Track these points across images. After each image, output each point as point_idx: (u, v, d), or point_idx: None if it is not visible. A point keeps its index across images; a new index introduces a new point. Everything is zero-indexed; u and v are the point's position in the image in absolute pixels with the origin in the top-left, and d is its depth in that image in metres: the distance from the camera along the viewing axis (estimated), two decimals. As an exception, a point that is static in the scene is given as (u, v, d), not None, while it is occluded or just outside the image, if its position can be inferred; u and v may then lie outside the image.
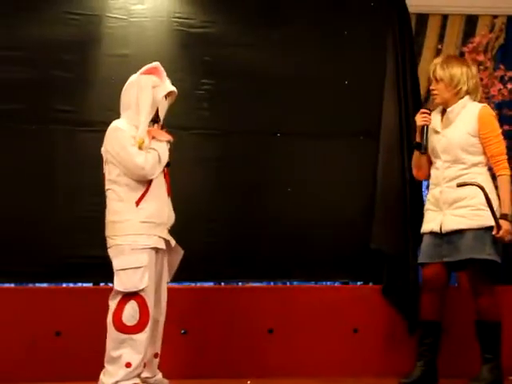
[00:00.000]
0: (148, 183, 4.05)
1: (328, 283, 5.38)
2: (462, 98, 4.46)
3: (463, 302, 4.70)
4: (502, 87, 5.32)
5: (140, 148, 4.01)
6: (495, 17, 5.73)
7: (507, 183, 4.35)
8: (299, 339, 4.90)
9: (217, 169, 5.13)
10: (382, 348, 4.96)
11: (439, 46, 5.66)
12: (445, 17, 5.74)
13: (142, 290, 3.98)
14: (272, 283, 5.29)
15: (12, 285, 5.12)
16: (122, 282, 3.99)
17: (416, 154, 4.59)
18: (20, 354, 4.63)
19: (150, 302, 4.02)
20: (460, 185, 4.32)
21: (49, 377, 4.53)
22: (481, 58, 5.34)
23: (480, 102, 4.55)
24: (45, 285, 5.08)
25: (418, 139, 4.50)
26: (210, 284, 5.22)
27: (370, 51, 5.34)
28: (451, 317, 4.65)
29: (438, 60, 4.56)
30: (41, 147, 4.96)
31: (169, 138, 4.17)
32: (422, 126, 4.45)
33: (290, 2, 5.36)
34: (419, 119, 4.48)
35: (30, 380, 4.49)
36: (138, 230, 4.00)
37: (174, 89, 4.19)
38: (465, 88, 4.45)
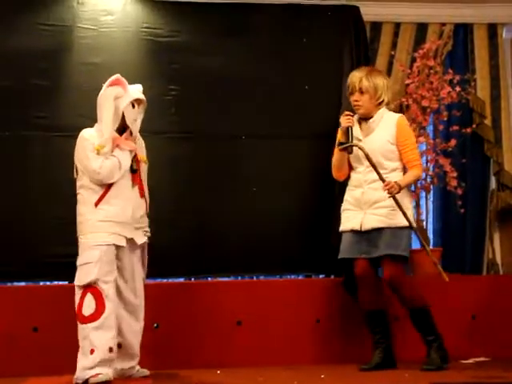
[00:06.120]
0: (107, 186, 4.19)
1: (292, 277, 5.46)
2: (381, 108, 4.61)
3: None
4: (450, 90, 5.50)
5: (98, 153, 4.16)
6: (443, 25, 5.85)
7: (414, 176, 4.59)
8: (266, 330, 4.98)
9: (187, 170, 5.24)
10: (342, 337, 5.04)
11: (392, 53, 5.76)
12: (397, 25, 5.82)
13: (96, 282, 4.11)
14: (239, 277, 5.34)
15: (-9, 284, 5.15)
16: (77, 277, 4.18)
17: (338, 154, 4.63)
18: (-1, 349, 4.70)
19: (107, 293, 4.13)
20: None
21: (27, 371, 4.56)
22: (431, 62, 5.52)
23: (394, 111, 4.77)
24: (22, 283, 5.14)
25: (342, 139, 4.54)
26: (181, 280, 5.28)
27: (328, 57, 5.49)
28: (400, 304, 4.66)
29: (362, 73, 4.60)
30: (16, 152, 5.05)
31: (132, 147, 4.28)
32: (347, 127, 4.51)
33: (252, 11, 5.50)
34: (344, 121, 4.53)
35: (9, 374, 4.50)
36: (96, 228, 4.17)
37: (138, 96, 4.26)
38: (386, 99, 4.61)
